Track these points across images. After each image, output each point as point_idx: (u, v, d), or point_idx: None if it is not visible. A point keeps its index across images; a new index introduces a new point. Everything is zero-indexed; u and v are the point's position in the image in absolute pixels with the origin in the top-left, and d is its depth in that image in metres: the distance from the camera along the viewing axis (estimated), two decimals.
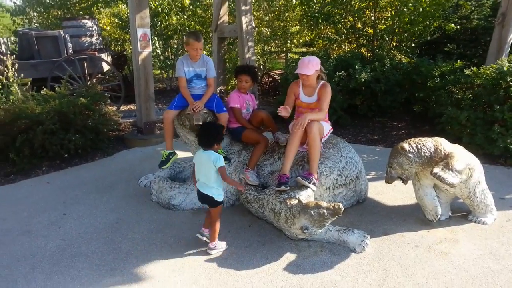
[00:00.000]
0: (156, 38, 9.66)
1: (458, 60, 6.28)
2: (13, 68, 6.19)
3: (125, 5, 10.64)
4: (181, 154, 4.49)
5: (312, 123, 3.48)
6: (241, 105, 4.04)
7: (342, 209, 3.02)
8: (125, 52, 10.31)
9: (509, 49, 5.89)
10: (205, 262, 3.07)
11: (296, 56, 9.27)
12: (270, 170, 3.96)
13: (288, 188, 3.39)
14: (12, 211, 3.99)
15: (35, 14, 12.85)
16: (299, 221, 3.12)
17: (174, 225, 3.64)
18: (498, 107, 4.90)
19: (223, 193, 3.25)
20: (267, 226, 3.56)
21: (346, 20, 8.55)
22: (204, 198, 3.19)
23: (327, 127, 3.78)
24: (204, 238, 3.27)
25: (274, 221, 3.42)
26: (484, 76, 5.25)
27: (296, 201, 3.19)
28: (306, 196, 3.31)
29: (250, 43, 6.93)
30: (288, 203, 3.21)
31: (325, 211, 3.01)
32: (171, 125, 3.94)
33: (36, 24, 13.09)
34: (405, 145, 3.33)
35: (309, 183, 3.36)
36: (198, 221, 3.69)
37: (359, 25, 8.47)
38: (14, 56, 7.53)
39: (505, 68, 5.05)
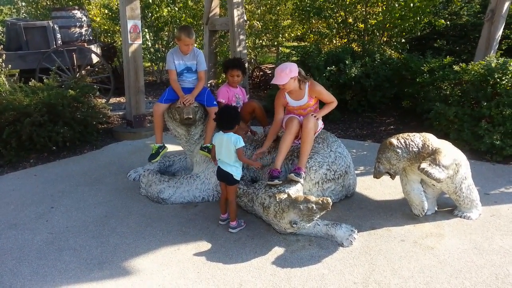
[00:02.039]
0: (146, 30, 9.57)
1: (447, 56, 6.33)
2: (1, 59, 6.10)
3: None
4: (170, 147, 4.47)
5: (309, 118, 3.53)
6: (230, 99, 4.03)
7: (331, 204, 3.04)
8: (114, 44, 10.21)
9: (497, 45, 5.95)
10: (194, 256, 3.08)
11: (287, 50, 9.25)
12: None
13: (281, 182, 3.41)
14: None
15: (24, 3, 12.64)
16: (288, 215, 3.14)
17: (163, 219, 3.64)
18: (485, 103, 4.96)
19: (241, 172, 3.46)
20: (256, 220, 3.57)
21: (337, 14, 8.56)
22: (223, 175, 3.39)
23: (320, 123, 3.80)
24: (225, 223, 3.50)
25: (263, 215, 3.43)
26: (473, 72, 5.30)
27: (285, 196, 3.20)
28: (295, 190, 3.34)
29: (241, 37, 6.90)
30: (277, 198, 3.22)
31: (313, 205, 3.03)
32: (161, 119, 3.92)
33: (24, 14, 12.88)
34: (394, 140, 3.36)
35: (300, 178, 3.39)
36: (187, 215, 3.70)
37: (350, 20, 8.49)
38: (2, 46, 7.42)
39: (493, 65, 5.11)
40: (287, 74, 3.56)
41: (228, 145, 3.31)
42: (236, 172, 3.37)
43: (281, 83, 3.57)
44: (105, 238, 3.33)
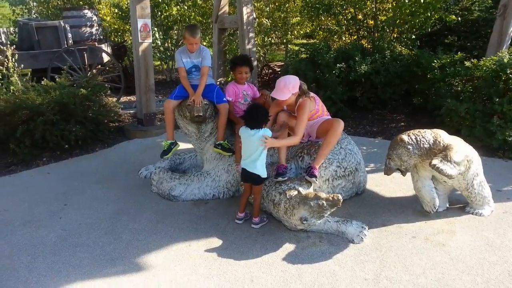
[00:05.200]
0: (156, 29, 9.62)
1: (459, 52, 6.27)
2: (13, 59, 6.18)
3: None
4: (181, 145, 4.49)
5: (340, 122, 3.48)
6: (237, 96, 4.01)
7: (341, 200, 3.05)
8: (125, 43, 10.27)
9: (510, 41, 5.87)
10: (205, 252, 3.11)
11: (296, 48, 9.23)
12: (270, 162, 3.97)
13: (286, 178, 3.42)
14: (13, 202, 4.02)
15: (35, 3, 12.77)
16: (299, 212, 3.14)
17: (174, 216, 3.67)
18: (497, 99, 4.90)
19: (266, 172, 3.42)
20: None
21: (347, 11, 8.51)
22: (248, 176, 3.38)
23: None
24: (241, 222, 3.50)
25: (273, 212, 3.44)
26: (484, 68, 5.24)
27: (296, 192, 3.21)
28: (305, 187, 3.34)
29: (250, 34, 6.90)
30: (287, 194, 3.23)
31: (324, 202, 3.03)
32: (172, 115, 3.95)
33: (35, 14, 13.02)
34: (405, 136, 3.35)
35: (316, 179, 3.40)
36: (198, 212, 3.73)
37: (360, 17, 8.43)
38: (14, 46, 7.50)
39: (505, 60, 5.04)
40: (290, 90, 3.46)
41: (255, 142, 3.27)
42: (263, 171, 3.35)
43: (282, 98, 3.47)
44: (117, 235, 3.37)
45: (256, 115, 3.32)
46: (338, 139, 3.56)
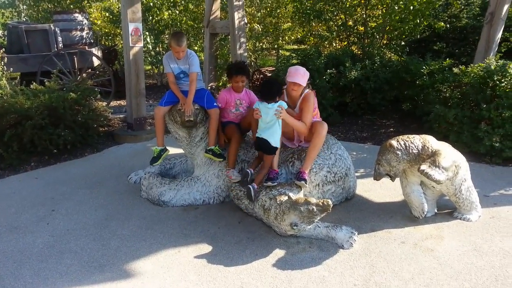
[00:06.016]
0: (147, 33, 9.60)
1: (447, 59, 6.35)
2: (2, 62, 6.12)
3: None
4: (171, 150, 4.48)
5: (323, 124, 3.53)
6: (229, 104, 3.96)
7: (331, 206, 3.06)
8: (116, 47, 10.23)
9: (497, 48, 5.96)
10: (195, 259, 3.09)
11: (288, 53, 9.27)
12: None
13: (276, 183, 3.42)
14: None
15: (25, 7, 12.69)
16: (289, 218, 3.15)
17: (163, 222, 3.65)
18: (484, 105, 4.97)
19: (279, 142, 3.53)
20: (256, 223, 3.58)
21: (337, 17, 8.59)
22: (262, 143, 3.51)
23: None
24: (250, 176, 3.59)
25: (263, 218, 3.44)
26: (472, 74, 5.31)
27: (286, 198, 3.22)
28: (296, 192, 3.34)
29: (242, 39, 6.92)
30: (278, 200, 3.23)
31: (314, 207, 3.04)
32: (162, 121, 3.94)
33: (25, 17, 12.92)
34: (394, 142, 3.38)
35: (306, 182, 3.41)
36: (187, 218, 3.71)
37: (350, 23, 8.51)
38: (3, 49, 7.43)
39: (492, 67, 5.12)
40: (306, 78, 3.56)
41: (272, 113, 3.40)
42: (274, 140, 3.46)
43: (302, 84, 3.53)
44: (106, 241, 3.34)
45: (270, 89, 3.47)
46: (323, 141, 3.56)
